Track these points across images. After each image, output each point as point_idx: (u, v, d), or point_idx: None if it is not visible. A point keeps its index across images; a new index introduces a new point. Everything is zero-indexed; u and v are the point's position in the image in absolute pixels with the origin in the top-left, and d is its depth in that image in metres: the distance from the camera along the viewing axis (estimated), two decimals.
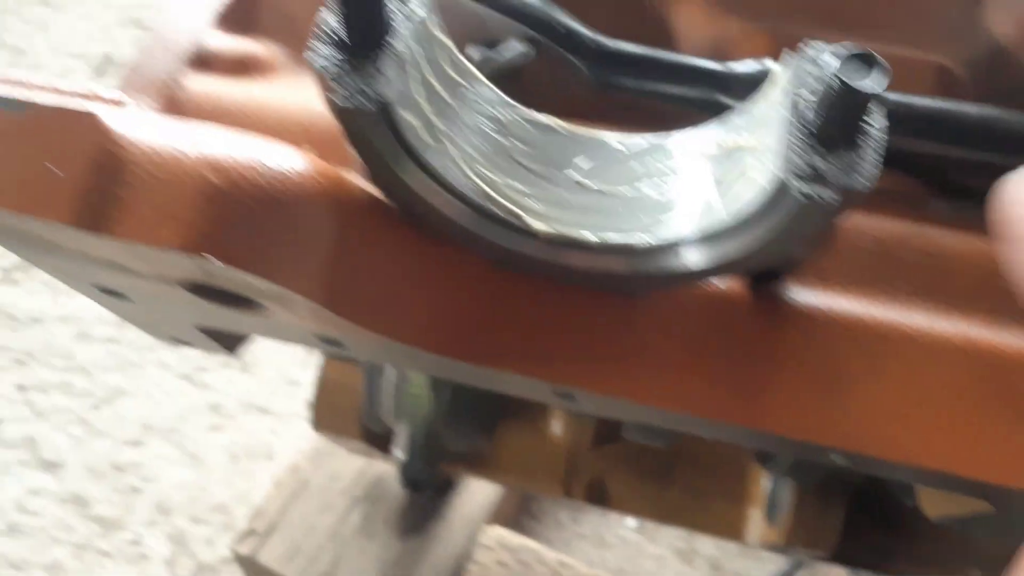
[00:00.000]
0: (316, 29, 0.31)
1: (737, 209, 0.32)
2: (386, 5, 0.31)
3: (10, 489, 1.17)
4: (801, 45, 0.32)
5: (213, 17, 0.47)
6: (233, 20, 0.47)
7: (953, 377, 0.37)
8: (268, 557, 0.95)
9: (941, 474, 0.36)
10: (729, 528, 0.88)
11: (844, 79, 0.28)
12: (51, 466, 1.20)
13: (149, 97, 0.43)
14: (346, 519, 0.99)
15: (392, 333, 0.36)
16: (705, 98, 0.42)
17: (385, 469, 1.02)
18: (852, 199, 0.30)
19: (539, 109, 0.43)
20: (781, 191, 0.30)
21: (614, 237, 0.36)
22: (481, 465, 0.82)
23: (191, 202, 0.31)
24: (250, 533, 0.98)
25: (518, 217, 0.36)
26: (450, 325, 0.37)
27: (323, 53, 0.31)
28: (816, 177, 0.29)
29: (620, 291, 0.37)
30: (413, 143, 0.34)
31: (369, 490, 1.02)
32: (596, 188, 0.37)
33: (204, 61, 0.45)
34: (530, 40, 0.41)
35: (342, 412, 0.79)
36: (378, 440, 0.84)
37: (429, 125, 0.34)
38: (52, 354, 1.28)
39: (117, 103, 0.36)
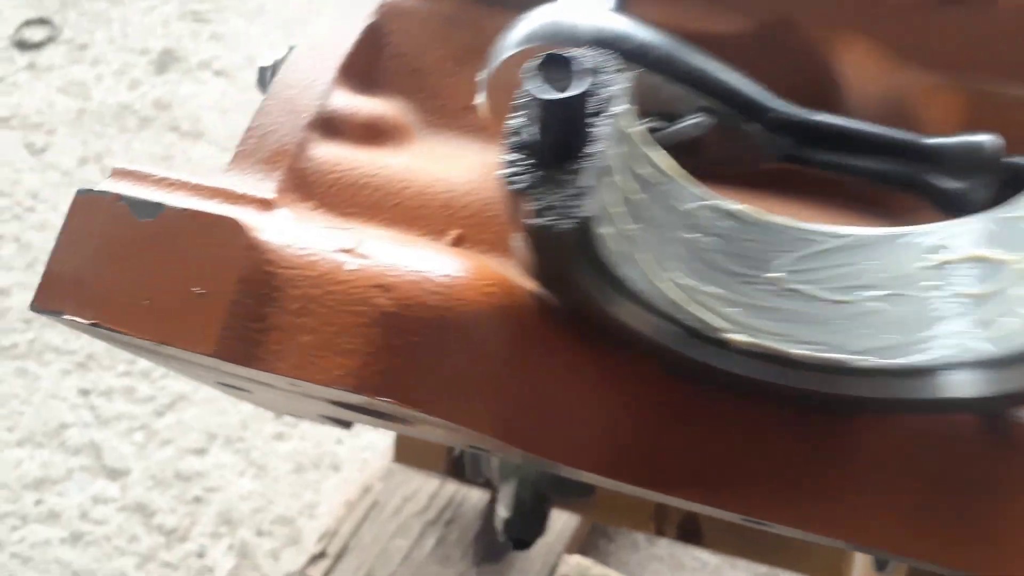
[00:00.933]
0: (506, 137, 0.27)
1: (1003, 340, 0.27)
2: (588, 110, 0.26)
3: (74, 496, 1.16)
4: None
5: (336, 70, 0.42)
6: (356, 75, 0.43)
7: None
8: None
9: None
10: (829, 570, 0.83)
11: None
12: (115, 473, 1.18)
13: (271, 168, 0.38)
14: (420, 543, 0.96)
15: (561, 457, 0.32)
16: (907, 174, 0.37)
17: (460, 491, 0.98)
18: None
19: (718, 180, 0.38)
20: None
21: (827, 354, 0.31)
22: (577, 504, 0.79)
23: (361, 332, 0.27)
24: (321, 556, 0.96)
25: (709, 327, 0.31)
26: (626, 446, 0.33)
27: (515, 163, 0.27)
28: None
29: (821, 411, 0.32)
30: (604, 256, 0.29)
31: (444, 513, 0.98)
32: (801, 291, 0.32)
33: (330, 125, 0.40)
34: (710, 110, 0.36)
35: (429, 450, 0.75)
36: (462, 474, 0.80)
37: (622, 232, 0.30)
38: (114, 359, 1.26)
39: (264, 204, 0.32)
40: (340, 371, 0.27)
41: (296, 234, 0.29)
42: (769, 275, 0.32)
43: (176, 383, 1.25)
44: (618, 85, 0.29)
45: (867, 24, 0.46)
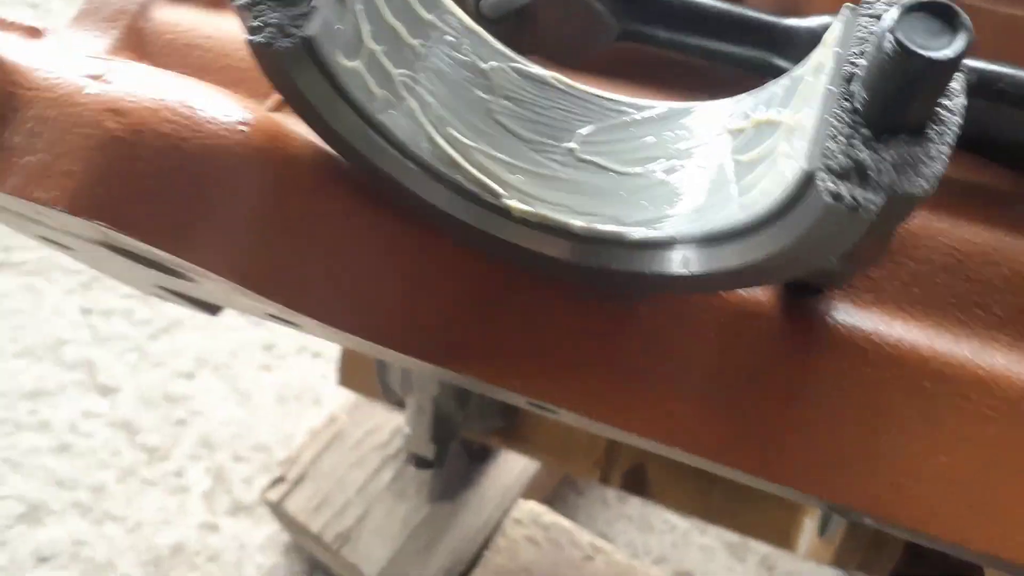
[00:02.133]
0: None
1: (753, 204, 0.25)
2: None
3: (65, 409, 1.19)
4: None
5: None
6: None
7: None
8: (295, 507, 0.93)
9: (996, 559, 0.28)
10: (778, 535, 0.80)
11: (903, 40, 0.20)
12: (106, 390, 1.21)
13: (110, 27, 0.37)
14: (377, 476, 0.96)
15: (331, 320, 0.30)
16: (756, 58, 0.34)
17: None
18: (903, 206, 0.22)
19: (549, 62, 0.36)
20: (805, 187, 0.22)
21: (605, 226, 0.29)
22: (514, 440, 0.77)
23: (85, 155, 0.26)
24: (280, 480, 0.96)
25: (491, 192, 0.29)
26: (402, 315, 0.31)
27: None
28: (855, 173, 0.22)
29: (609, 290, 0.30)
30: (358, 96, 0.27)
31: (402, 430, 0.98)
32: (594, 162, 0.30)
33: None
34: None
35: (364, 372, 0.74)
36: (387, 392, 0.79)
37: (380, 71, 0.28)
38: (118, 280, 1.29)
39: (32, 32, 0.31)
40: (57, 191, 0.26)
41: (51, 59, 0.28)
42: (564, 144, 0.30)
43: (175, 309, 1.27)
44: None
45: None
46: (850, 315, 0.30)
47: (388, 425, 0.99)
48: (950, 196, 0.32)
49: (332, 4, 0.25)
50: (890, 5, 0.23)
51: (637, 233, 0.28)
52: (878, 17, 0.23)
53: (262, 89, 0.36)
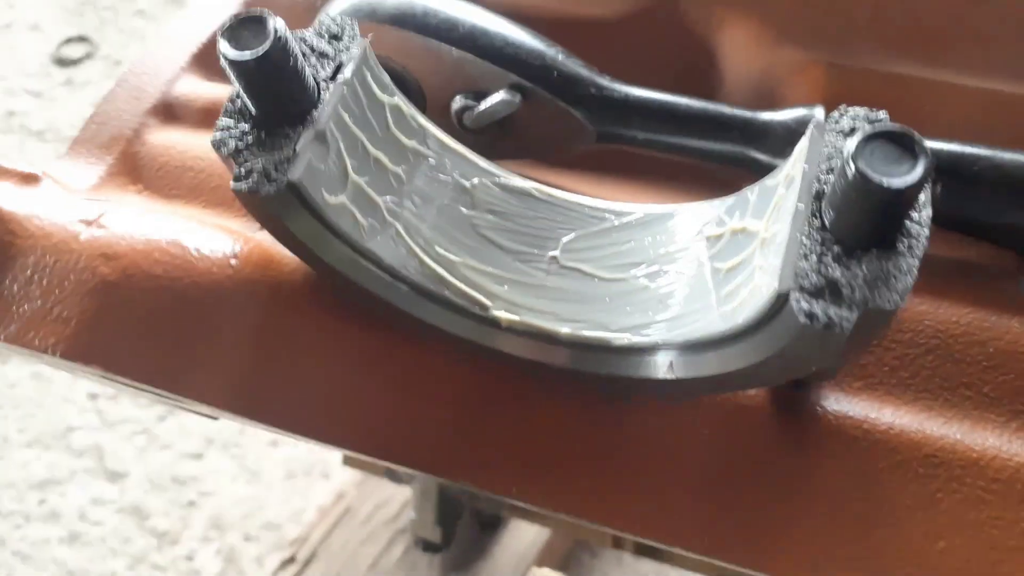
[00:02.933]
0: (228, 103, 0.26)
1: (733, 313, 0.26)
2: (299, 72, 0.26)
3: (74, 497, 1.19)
4: (834, 115, 0.25)
5: (190, 57, 0.42)
6: (212, 61, 0.43)
7: None
8: None
9: None
10: None
11: (864, 170, 0.21)
12: (115, 476, 1.21)
13: (106, 153, 0.38)
14: (388, 551, 0.95)
15: (327, 439, 0.31)
16: (733, 152, 0.35)
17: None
18: (877, 320, 0.23)
19: (541, 163, 0.37)
20: (780, 305, 0.23)
21: (591, 332, 0.29)
22: (525, 510, 0.77)
23: (79, 301, 0.27)
24: (291, 561, 0.96)
25: (479, 304, 0.30)
26: (396, 429, 0.31)
27: (227, 128, 0.26)
28: (828, 291, 0.22)
29: (599, 393, 0.31)
30: (345, 228, 0.28)
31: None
32: (578, 268, 0.31)
33: (170, 111, 0.40)
34: (520, 88, 0.34)
35: None
36: (393, 476, 0.79)
37: (366, 202, 0.29)
38: None
39: (28, 179, 0.32)
40: (54, 338, 0.26)
41: (46, 206, 0.29)
42: (548, 253, 0.31)
43: None
44: (356, 50, 0.28)
45: (750, 2, 0.44)
46: (840, 403, 0.31)
47: (397, 498, 0.99)
48: (932, 276, 0.33)
49: (314, 145, 0.26)
50: (853, 126, 0.24)
51: (622, 339, 0.29)
52: (844, 133, 0.24)
53: None
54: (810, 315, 0.22)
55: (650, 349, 0.27)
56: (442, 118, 0.37)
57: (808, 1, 0.44)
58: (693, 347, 0.26)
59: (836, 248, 0.22)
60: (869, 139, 0.21)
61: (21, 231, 0.28)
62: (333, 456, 1.20)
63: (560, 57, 0.35)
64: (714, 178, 0.37)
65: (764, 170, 0.34)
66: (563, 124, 0.35)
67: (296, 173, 0.25)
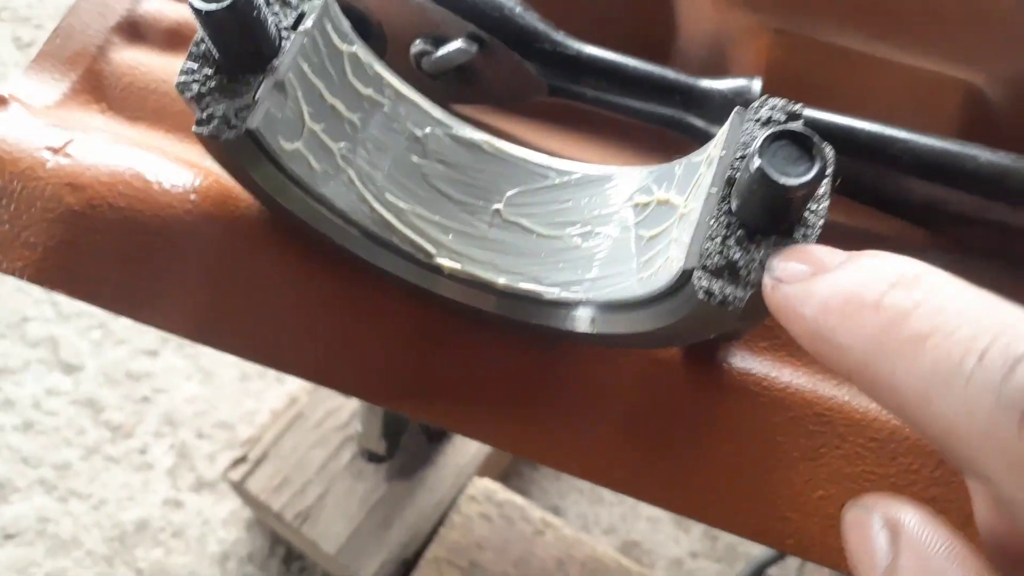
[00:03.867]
0: (193, 47, 0.28)
1: (649, 280, 0.28)
2: (261, 22, 0.27)
3: (29, 387, 1.21)
4: (755, 103, 0.27)
5: None
6: None
7: (901, 476, 0.32)
8: (256, 486, 0.97)
9: None
10: None
11: (765, 168, 0.23)
12: (70, 368, 1.23)
13: (70, 70, 0.39)
14: (336, 456, 0.99)
15: (283, 367, 0.33)
16: (672, 116, 0.37)
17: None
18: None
19: (499, 110, 0.39)
20: (684, 280, 0.26)
21: (525, 284, 0.32)
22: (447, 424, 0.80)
23: (46, 227, 0.28)
24: (242, 460, 0.99)
25: (424, 251, 0.32)
26: (349, 360, 0.34)
27: (191, 72, 0.27)
28: (728, 271, 0.25)
29: (531, 337, 0.33)
30: (301, 173, 0.30)
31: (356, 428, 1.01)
32: (519, 223, 0.33)
33: (135, 30, 0.41)
34: (477, 38, 0.36)
35: None
36: None
37: (321, 148, 0.30)
38: None
39: None
40: (21, 262, 0.28)
41: (13, 131, 0.30)
42: (493, 206, 0.33)
43: None
44: (318, 1, 0.29)
45: None
46: (745, 361, 0.34)
47: (348, 406, 1.02)
48: (843, 245, 0.36)
49: (273, 94, 0.28)
50: (771, 116, 0.26)
51: (552, 293, 0.31)
52: (762, 122, 0.26)
53: None
54: (708, 292, 0.25)
55: (575, 304, 0.30)
56: (402, 60, 0.38)
57: None
58: (611, 307, 0.29)
59: (740, 232, 0.25)
60: (774, 138, 0.23)
61: None
62: None
63: (518, 10, 0.36)
64: (660, 139, 0.39)
65: (701, 135, 0.37)
66: (517, 75, 0.37)
67: (255, 121, 0.27)
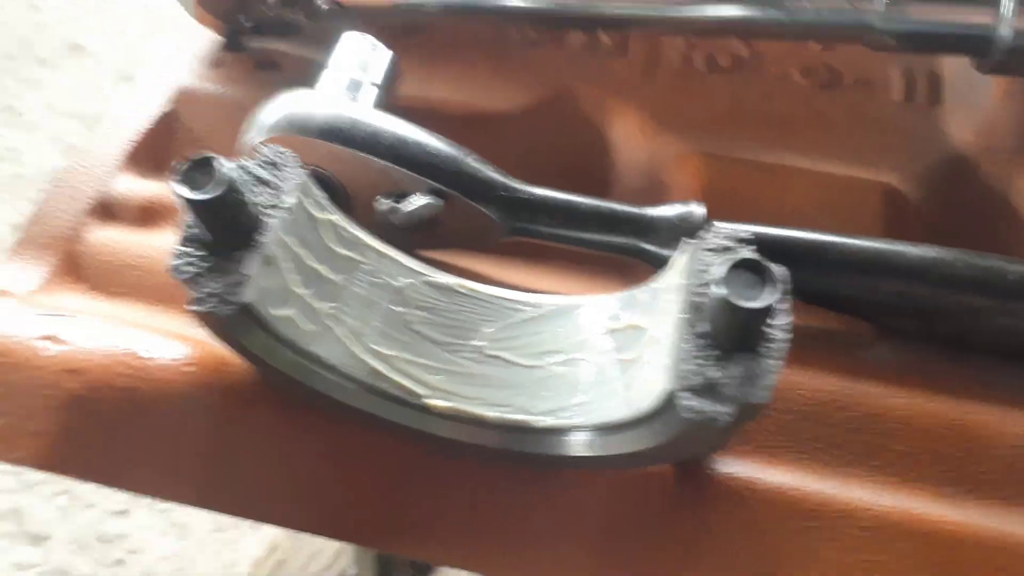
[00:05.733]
0: (185, 229, 0.29)
1: (634, 401, 0.30)
2: (246, 204, 0.29)
3: None
4: (704, 234, 0.29)
5: (123, 156, 0.45)
6: (144, 158, 0.46)
7: (896, 562, 0.34)
8: None
9: None
10: None
11: (729, 298, 0.25)
12: (37, 539, 1.19)
13: (49, 254, 0.41)
14: None
15: (278, 521, 0.34)
16: (625, 244, 0.39)
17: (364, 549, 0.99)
18: (750, 412, 0.27)
19: (467, 252, 0.41)
20: (669, 401, 0.27)
21: (515, 415, 0.33)
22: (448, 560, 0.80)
23: (50, 415, 0.29)
24: None
25: (412, 394, 0.33)
26: (339, 506, 0.35)
27: (183, 255, 0.29)
28: (709, 390, 0.27)
29: (519, 465, 0.34)
30: (289, 335, 0.31)
31: (347, 570, 0.99)
32: (501, 357, 0.35)
33: (107, 210, 0.43)
34: (438, 191, 0.38)
35: None
36: None
37: (310, 311, 0.32)
38: None
39: None
40: (28, 452, 0.29)
41: (4, 324, 0.32)
42: (473, 343, 0.35)
43: None
44: (295, 178, 0.32)
45: (638, 95, 0.49)
46: (729, 466, 0.35)
47: (330, 547, 1.00)
48: (803, 347, 0.38)
49: (262, 267, 0.29)
50: (723, 244, 0.29)
51: (542, 421, 0.33)
52: (715, 250, 0.29)
53: None
54: (694, 411, 0.26)
55: (567, 430, 0.32)
56: (365, 215, 0.40)
57: (679, 94, 0.49)
58: (602, 430, 0.30)
59: (714, 352, 0.27)
60: (733, 267, 0.26)
61: None
62: None
63: (471, 162, 0.39)
64: (613, 264, 0.41)
65: (654, 258, 0.39)
66: (478, 221, 0.39)
67: (249, 296, 0.29)
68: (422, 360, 0.34)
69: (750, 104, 0.48)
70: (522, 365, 0.34)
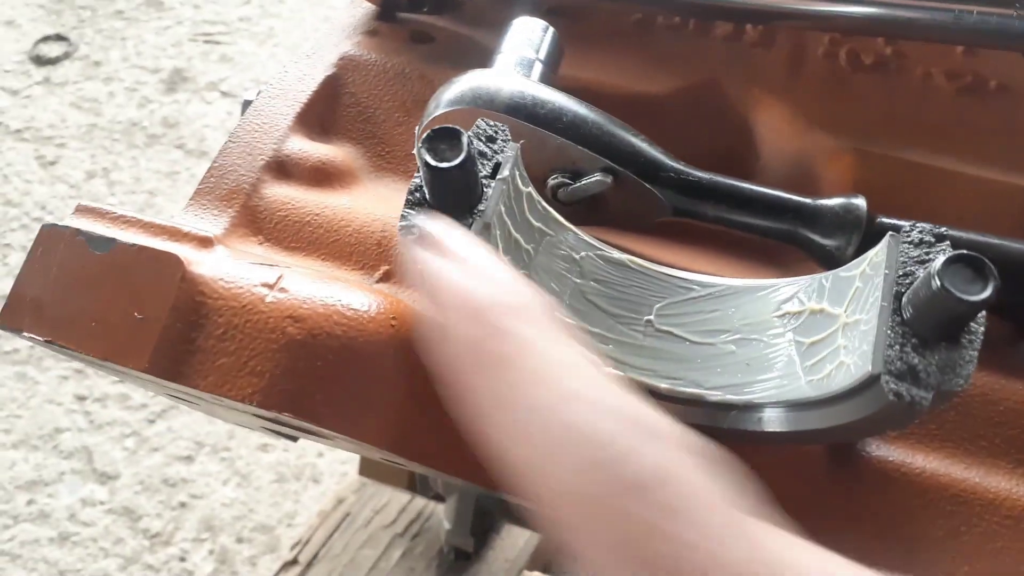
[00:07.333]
0: (409, 195, 0.31)
1: (822, 383, 0.32)
2: (478, 174, 0.31)
3: (64, 498, 1.21)
4: (906, 228, 0.31)
5: (294, 116, 0.47)
6: (313, 121, 0.48)
7: None
8: None
9: None
10: None
11: (951, 288, 0.27)
12: (105, 477, 1.23)
13: (227, 206, 0.43)
14: (387, 554, 0.99)
15: (466, 475, 0.36)
16: (786, 230, 0.41)
17: (428, 505, 1.02)
18: (946, 398, 0.29)
19: (622, 229, 0.43)
20: (871, 383, 0.29)
21: (687, 388, 0.35)
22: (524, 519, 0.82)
23: (271, 356, 0.32)
24: (293, 563, 1.00)
25: None
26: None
27: (410, 216, 0.31)
28: (911, 375, 0.28)
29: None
30: None
31: (411, 526, 1.02)
32: (671, 332, 0.37)
33: (282, 168, 0.45)
34: (611, 170, 0.40)
35: (390, 467, 0.79)
36: (424, 488, 0.84)
37: None
38: None
39: (204, 242, 0.36)
40: (250, 389, 0.31)
41: (227, 269, 0.34)
42: (645, 317, 0.37)
43: None
44: (510, 152, 0.34)
45: (784, 89, 0.50)
46: (881, 450, 0.37)
47: (394, 504, 1.04)
48: None
49: (482, 231, 0.32)
50: (922, 238, 0.30)
51: (715, 396, 0.35)
52: (915, 244, 0.30)
53: (368, 261, 0.42)
54: (897, 394, 0.28)
55: (746, 406, 0.34)
56: (537, 190, 0.42)
57: (827, 91, 0.50)
58: (787, 407, 0.32)
59: (915, 340, 0.29)
60: (951, 261, 0.27)
61: (211, 292, 0.33)
62: (322, 461, 1.24)
63: (644, 145, 0.41)
64: (762, 250, 0.43)
65: (813, 246, 0.41)
66: (645, 200, 0.41)
67: None
68: (595, 329, 0.36)
69: (899, 105, 0.50)
70: (692, 341, 0.36)
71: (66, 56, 1.76)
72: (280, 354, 0.32)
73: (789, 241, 0.42)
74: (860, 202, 0.40)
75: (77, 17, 1.81)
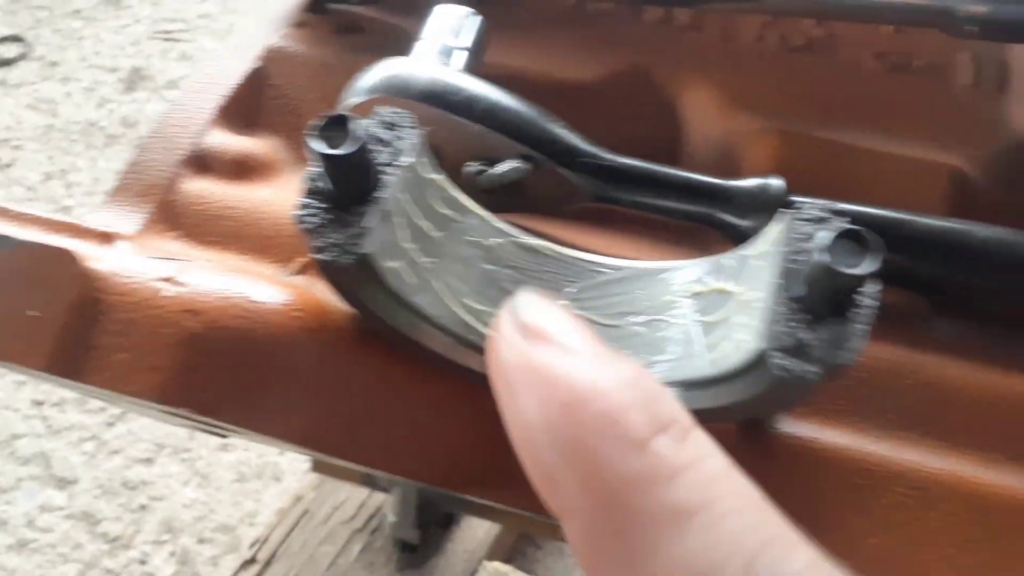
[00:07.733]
0: (303, 182, 0.31)
1: (720, 361, 0.32)
2: (372, 162, 0.31)
3: (21, 505, 1.19)
4: (797, 205, 0.31)
5: (216, 111, 0.47)
6: (235, 114, 0.47)
7: (941, 520, 0.36)
8: None
9: None
10: None
11: (832, 265, 0.27)
12: (63, 483, 1.22)
13: (145, 202, 0.43)
14: (346, 550, 1.00)
15: (376, 464, 0.36)
16: (703, 213, 0.41)
17: (388, 500, 1.02)
18: (835, 372, 0.29)
19: (542, 215, 0.43)
20: (760, 360, 0.30)
21: None
22: (480, 510, 0.83)
23: (169, 351, 0.31)
24: (251, 561, 0.99)
25: None
26: (433, 453, 0.37)
27: (307, 207, 0.31)
28: (799, 350, 0.29)
29: None
30: (396, 286, 0.33)
31: (370, 522, 1.02)
32: (583, 316, 0.37)
33: (202, 162, 0.45)
34: (528, 156, 0.40)
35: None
36: (370, 482, 0.84)
37: (413, 265, 0.34)
38: None
39: (105, 238, 0.36)
40: (148, 385, 0.31)
41: (126, 264, 0.34)
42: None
43: None
44: (411, 139, 0.34)
45: (712, 72, 0.51)
46: (790, 426, 0.38)
47: (352, 500, 1.04)
48: None
49: (380, 221, 0.32)
50: (818, 215, 0.31)
51: None
52: (809, 220, 0.31)
53: (285, 254, 0.42)
54: (785, 369, 0.29)
55: None
56: (452, 178, 0.42)
57: (753, 72, 0.51)
58: (688, 385, 0.33)
59: (805, 316, 0.29)
60: (838, 236, 0.28)
61: (107, 288, 0.32)
62: (283, 459, 1.24)
63: (562, 131, 0.41)
64: (682, 232, 0.44)
65: (729, 228, 0.41)
66: (563, 187, 0.41)
67: (369, 247, 0.31)
68: None
69: (824, 85, 0.50)
70: (602, 323, 0.37)
71: (22, 57, 1.73)
72: (178, 349, 0.32)
73: (707, 223, 0.42)
74: (776, 182, 0.41)
75: (33, 17, 1.79)
